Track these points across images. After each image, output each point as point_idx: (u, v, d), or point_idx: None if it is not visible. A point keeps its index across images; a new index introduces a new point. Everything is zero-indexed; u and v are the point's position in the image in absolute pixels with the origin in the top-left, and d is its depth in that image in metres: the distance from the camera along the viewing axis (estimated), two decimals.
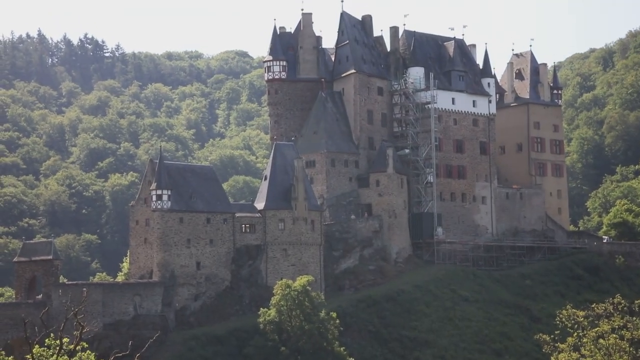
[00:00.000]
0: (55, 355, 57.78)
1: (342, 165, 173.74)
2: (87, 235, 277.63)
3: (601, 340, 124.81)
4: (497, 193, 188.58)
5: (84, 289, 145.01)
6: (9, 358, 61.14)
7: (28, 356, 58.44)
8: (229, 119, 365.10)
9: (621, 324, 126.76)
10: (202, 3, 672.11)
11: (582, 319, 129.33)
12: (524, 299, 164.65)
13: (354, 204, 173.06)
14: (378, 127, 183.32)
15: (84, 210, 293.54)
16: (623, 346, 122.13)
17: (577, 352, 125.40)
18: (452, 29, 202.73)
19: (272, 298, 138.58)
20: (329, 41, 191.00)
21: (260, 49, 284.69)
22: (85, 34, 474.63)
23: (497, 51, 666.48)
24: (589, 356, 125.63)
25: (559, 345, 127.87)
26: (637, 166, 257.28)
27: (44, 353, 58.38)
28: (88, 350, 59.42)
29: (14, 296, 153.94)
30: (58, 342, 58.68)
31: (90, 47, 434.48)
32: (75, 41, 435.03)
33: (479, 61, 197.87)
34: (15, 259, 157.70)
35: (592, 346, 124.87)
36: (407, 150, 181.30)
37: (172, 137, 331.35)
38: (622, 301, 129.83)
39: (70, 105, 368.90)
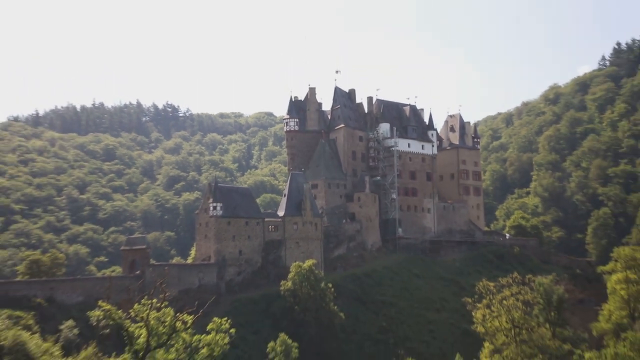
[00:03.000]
0: (148, 311, 59.74)
1: (335, 187, 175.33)
2: (168, 232, 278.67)
3: (504, 301, 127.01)
4: (437, 206, 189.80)
5: (166, 267, 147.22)
6: (119, 311, 62.36)
7: (131, 311, 60.80)
8: (260, 157, 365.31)
9: (517, 291, 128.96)
10: (244, 81, 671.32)
11: (492, 287, 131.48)
12: (455, 275, 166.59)
13: (343, 213, 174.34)
14: (359, 162, 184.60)
15: (165, 217, 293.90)
16: (518, 305, 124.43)
17: (488, 309, 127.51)
18: (408, 99, 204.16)
19: (289, 274, 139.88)
20: (327, 105, 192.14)
21: (281, 110, 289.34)
22: (167, 101, 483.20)
23: (438, 113, 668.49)
24: (496, 312, 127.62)
25: (477, 305, 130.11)
26: (527, 189, 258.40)
27: (141, 309, 59.47)
28: (169, 307, 60.58)
29: (121, 272, 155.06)
30: (150, 301, 60.85)
31: (170, 109, 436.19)
32: (160, 106, 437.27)
33: (426, 119, 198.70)
34: (122, 248, 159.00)
35: (499, 305, 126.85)
36: (378, 178, 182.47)
37: (223, 169, 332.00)
38: (518, 276, 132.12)
39: (156, 148, 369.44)
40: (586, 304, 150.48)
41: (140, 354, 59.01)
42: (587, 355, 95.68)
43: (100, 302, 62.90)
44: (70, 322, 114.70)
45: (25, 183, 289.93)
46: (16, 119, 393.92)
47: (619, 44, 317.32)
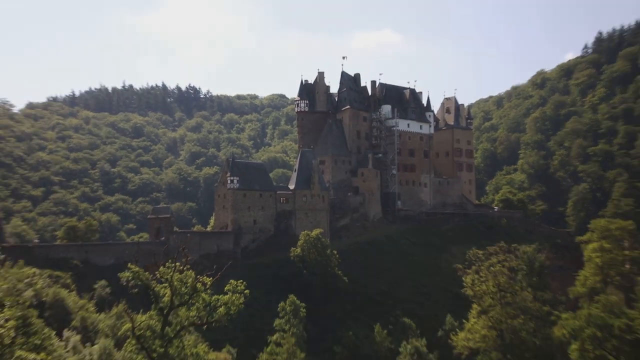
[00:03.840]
0: (172, 273, 60.61)
1: (341, 163, 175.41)
2: (189, 203, 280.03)
3: (491, 268, 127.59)
4: (433, 181, 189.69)
5: (188, 234, 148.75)
6: (147, 273, 63.09)
7: (156, 273, 61.70)
8: (273, 135, 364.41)
9: (503, 258, 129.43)
10: (259, 65, 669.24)
11: (481, 255, 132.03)
12: (448, 243, 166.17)
13: (348, 186, 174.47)
14: (363, 140, 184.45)
15: (187, 189, 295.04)
16: (504, 271, 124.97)
17: (477, 275, 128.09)
18: (408, 82, 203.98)
19: (298, 242, 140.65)
20: (334, 87, 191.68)
21: (292, 92, 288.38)
22: (190, 84, 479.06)
23: (435, 96, 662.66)
24: (484, 277, 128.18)
25: (467, 271, 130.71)
26: (515, 166, 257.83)
27: (166, 271, 60.23)
28: (190, 270, 61.26)
29: (148, 238, 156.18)
30: (174, 265, 61.75)
31: (192, 91, 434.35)
32: (183, 88, 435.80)
33: (424, 101, 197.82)
34: (148, 216, 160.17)
35: (486, 271, 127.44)
36: (380, 155, 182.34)
37: (239, 146, 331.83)
38: (504, 245, 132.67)
39: (179, 126, 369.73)
40: (564, 270, 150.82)
41: (165, 311, 59.95)
42: (563, 316, 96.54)
43: (129, 265, 63.75)
44: (103, 282, 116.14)
45: (63, 157, 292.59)
46: (55, 99, 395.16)
47: (600, 33, 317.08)
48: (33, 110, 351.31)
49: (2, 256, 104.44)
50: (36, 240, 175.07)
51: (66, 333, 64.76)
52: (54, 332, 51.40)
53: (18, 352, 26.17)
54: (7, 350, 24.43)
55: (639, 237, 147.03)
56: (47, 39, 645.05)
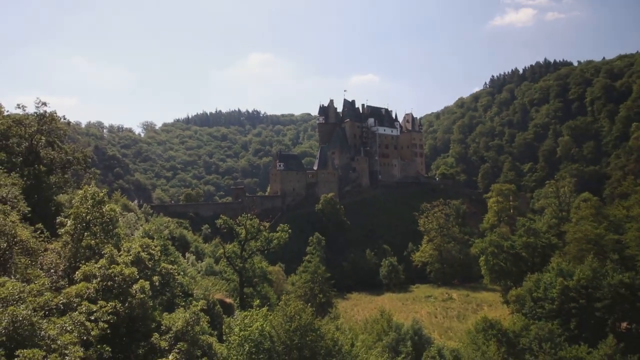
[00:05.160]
0: (246, 220, 60.73)
1: (345, 154, 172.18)
2: (255, 179, 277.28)
3: (434, 214, 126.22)
4: (400, 163, 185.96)
5: (254, 197, 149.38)
6: (231, 220, 63.21)
7: (237, 219, 61.80)
8: (304, 137, 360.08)
9: (441, 209, 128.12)
10: (295, 97, 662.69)
11: (428, 207, 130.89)
12: (409, 200, 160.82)
13: (349, 167, 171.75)
14: (358, 139, 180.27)
15: (253, 170, 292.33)
16: (442, 216, 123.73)
17: (426, 218, 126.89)
18: (384, 104, 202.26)
19: (320, 201, 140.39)
20: (340, 108, 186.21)
21: (315, 111, 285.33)
22: (254, 108, 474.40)
23: (400, 112, 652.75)
24: (430, 219, 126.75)
25: (421, 216, 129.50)
26: (447, 153, 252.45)
27: (242, 219, 60.12)
28: (256, 218, 61.36)
29: (231, 200, 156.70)
30: (246, 215, 61.83)
31: (255, 113, 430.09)
32: (251, 110, 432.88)
33: (394, 116, 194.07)
34: (231, 187, 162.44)
35: (432, 216, 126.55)
36: (368, 148, 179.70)
37: (283, 144, 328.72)
38: (442, 201, 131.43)
39: (248, 134, 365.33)
40: (477, 215, 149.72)
41: (242, 243, 60.39)
42: (476, 241, 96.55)
43: (221, 215, 64.03)
44: (206, 226, 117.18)
45: (182, 153, 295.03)
46: (177, 120, 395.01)
47: (493, 75, 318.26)
48: (166, 127, 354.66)
49: (152, 211, 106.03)
50: (171, 202, 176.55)
51: (187, 255, 65.56)
52: (180, 254, 52.10)
53: (162, 264, 26.84)
54: (157, 263, 25.26)
55: (518, 194, 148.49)
56: (175, 80, 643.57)
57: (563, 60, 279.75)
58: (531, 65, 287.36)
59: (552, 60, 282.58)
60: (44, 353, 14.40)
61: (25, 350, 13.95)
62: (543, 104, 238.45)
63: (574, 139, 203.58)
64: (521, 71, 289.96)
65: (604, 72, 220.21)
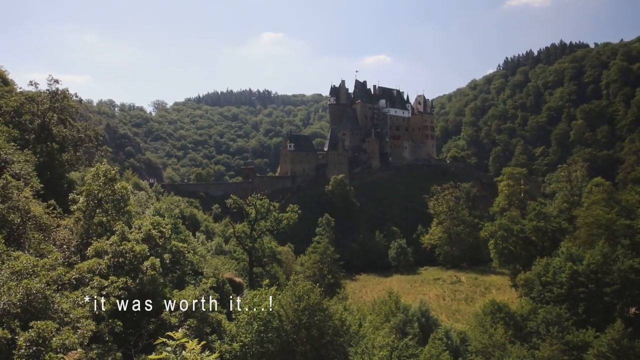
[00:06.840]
0: (255, 199, 60.81)
1: (356, 135, 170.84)
2: (265, 159, 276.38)
3: (445, 197, 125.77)
4: (410, 145, 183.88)
5: (264, 177, 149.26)
6: (241, 200, 63.34)
7: (247, 199, 61.94)
8: (315, 118, 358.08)
9: (451, 191, 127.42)
10: (307, 77, 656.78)
11: (439, 189, 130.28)
12: (420, 182, 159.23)
13: (359, 148, 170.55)
14: (368, 121, 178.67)
15: (264, 151, 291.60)
16: (452, 199, 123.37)
17: (436, 201, 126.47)
18: (395, 86, 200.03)
19: (330, 182, 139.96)
20: (351, 89, 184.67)
21: (326, 92, 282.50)
22: (265, 88, 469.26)
23: (411, 93, 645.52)
24: (440, 202, 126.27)
25: (431, 199, 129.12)
26: (459, 136, 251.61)
27: (252, 199, 60.33)
28: (265, 198, 61.34)
29: (241, 180, 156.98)
30: (256, 195, 61.88)
31: (266, 93, 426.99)
32: (261, 90, 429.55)
33: (405, 97, 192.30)
34: (242, 167, 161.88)
35: (442, 199, 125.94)
36: (379, 130, 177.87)
37: (294, 124, 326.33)
38: (452, 183, 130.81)
39: (259, 114, 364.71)
40: (487, 198, 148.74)
41: (252, 222, 60.59)
42: (486, 224, 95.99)
43: (231, 195, 64.14)
44: (216, 205, 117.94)
45: (193, 132, 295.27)
46: (189, 99, 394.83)
47: (507, 57, 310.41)
48: (177, 106, 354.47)
49: (162, 190, 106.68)
50: (182, 181, 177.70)
51: (197, 234, 65.98)
52: (191, 233, 52.43)
53: (173, 242, 27.08)
54: (167, 241, 25.57)
55: (529, 178, 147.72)
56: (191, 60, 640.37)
57: (579, 42, 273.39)
58: (546, 47, 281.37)
59: (567, 42, 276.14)
60: (57, 325, 14.62)
61: (39, 322, 14.17)
62: (557, 86, 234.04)
63: (588, 122, 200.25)
64: (536, 53, 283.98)
65: (621, 54, 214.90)
